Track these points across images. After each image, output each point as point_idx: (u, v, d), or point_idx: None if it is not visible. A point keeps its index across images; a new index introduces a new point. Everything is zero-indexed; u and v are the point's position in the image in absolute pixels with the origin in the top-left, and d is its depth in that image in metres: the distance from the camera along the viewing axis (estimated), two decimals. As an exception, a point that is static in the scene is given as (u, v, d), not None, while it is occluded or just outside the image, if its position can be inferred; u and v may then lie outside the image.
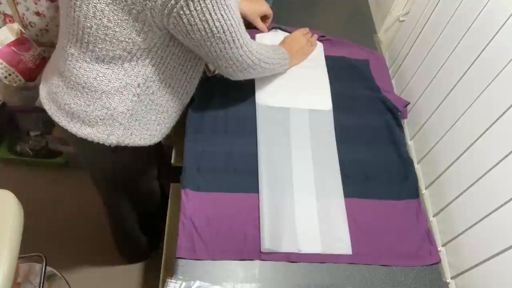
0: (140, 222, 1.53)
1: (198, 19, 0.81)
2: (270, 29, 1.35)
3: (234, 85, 1.19)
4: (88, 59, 0.91)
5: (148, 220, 1.57)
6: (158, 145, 1.14)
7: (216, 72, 1.21)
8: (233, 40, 0.89)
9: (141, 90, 0.97)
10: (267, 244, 0.94)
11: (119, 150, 1.05)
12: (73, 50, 0.92)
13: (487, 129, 0.89)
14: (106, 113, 0.98)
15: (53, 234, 1.74)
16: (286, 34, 1.34)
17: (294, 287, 0.92)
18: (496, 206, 0.84)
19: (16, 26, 1.79)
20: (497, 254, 0.83)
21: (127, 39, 0.86)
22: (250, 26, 1.33)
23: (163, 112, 1.05)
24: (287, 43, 1.25)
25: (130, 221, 1.50)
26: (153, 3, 0.79)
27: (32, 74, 1.77)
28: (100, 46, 0.88)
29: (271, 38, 1.32)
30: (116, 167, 1.18)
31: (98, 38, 0.86)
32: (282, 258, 0.94)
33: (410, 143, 1.24)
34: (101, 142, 1.01)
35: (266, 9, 1.30)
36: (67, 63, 0.95)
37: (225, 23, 0.84)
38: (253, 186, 1.03)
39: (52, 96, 1.02)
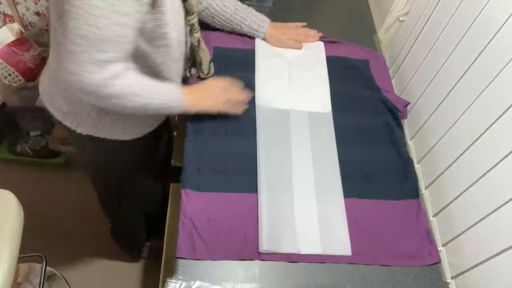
0: (135, 221, 1.52)
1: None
2: None
3: (234, 85, 1.19)
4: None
5: (147, 220, 1.57)
6: (154, 144, 1.12)
7: (211, 74, 1.18)
8: (69, 51, 0.76)
9: None
10: (265, 246, 0.94)
11: (96, 140, 1.04)
12: (55, 23, 0.88)
13: (487, 129, 0.89)
14: (76, 101, 0.97)
15: (53, 234, 1.74)
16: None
17: (294, 287, 0.92)
18: (496, 206, 0.84)
19: (16, 26, 1.80)
20: (497, 254, 0.83)
21: None
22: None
23: (132, 114, 1.01)
24: (199, 91, 1.04)
25: (123, 219, 1.49)
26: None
27: (32, 74, 1.77)
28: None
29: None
30: (98, 158, 1.17)
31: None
32: (282, 258, 0.94)
33: (410, 143, 1.24)
34: (72, 129, 1.01)
35: (291, 36, 1.28)
36: (51, 39, 0.94)
37: (94, 22, 0.72)
38: (253, 186, 1.03)
39: (43, 75, 1.03)
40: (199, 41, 1.02)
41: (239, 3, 1.20)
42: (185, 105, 0.98)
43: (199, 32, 1.00)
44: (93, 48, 0.75)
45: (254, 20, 1.22)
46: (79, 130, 1.01)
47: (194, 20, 0.94)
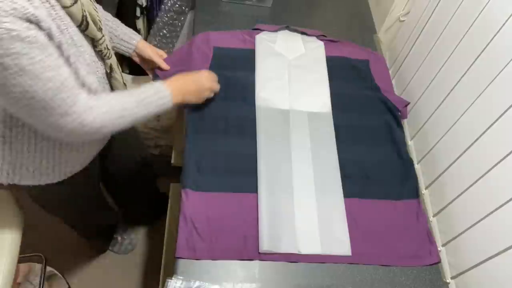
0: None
1: None
2: (278, 29, 1.35)
3: (234, 86, 1.19)
4: None
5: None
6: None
7: None
8: (48, 108, 0.77)
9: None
10: (265, 246, 0.94)
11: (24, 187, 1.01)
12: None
13: (487, 129, 0.89)
14: None
15: (53, 234, 1.74)
16: (295, 34, 1.34)
17: (294, 287, 0.92)
18: (496, 206, 0.84)
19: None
20: (497, 254, 0.83)
21: None
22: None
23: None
24: (183, 78, 1.06)
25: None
26: None
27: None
28: None
29: (280, 38, 1.32)
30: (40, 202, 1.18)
31: None
32: (282, 258, 0.95)
33: (410, 143, 1.24)
34: None
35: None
36: None
37: (29, 89, 0.73)
38: (253, 186, 1.03)
39: None
40: (111, 68, 0.97)
41: (110, 14, 1.12)
42: (173, 101, 0.99)
43: (112, 59, 0.97)
44: (62, 93, 0.77)
45: (125, 31, 1.14)
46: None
47: (102, 46, 0.90)
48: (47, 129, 0.83)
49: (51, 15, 0.74)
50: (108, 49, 0.93)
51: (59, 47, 0.77)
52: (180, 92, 1.01)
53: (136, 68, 1.26)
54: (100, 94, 0.89)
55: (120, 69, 1.04)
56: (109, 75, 0.98)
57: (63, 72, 0.77)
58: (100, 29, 0.89)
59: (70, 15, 0.79)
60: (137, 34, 1.17)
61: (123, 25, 1.14)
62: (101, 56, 0.93)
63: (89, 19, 0.84)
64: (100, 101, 0.86)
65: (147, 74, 1.26)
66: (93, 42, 0.89)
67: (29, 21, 0.69)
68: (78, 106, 0.81)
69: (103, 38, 0.90)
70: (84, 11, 0.82)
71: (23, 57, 0.69)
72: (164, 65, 1.21)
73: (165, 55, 1.23)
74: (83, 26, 0.83)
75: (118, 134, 1.20)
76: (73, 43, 0.81)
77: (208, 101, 1.15)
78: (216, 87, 1.12)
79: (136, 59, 1.20)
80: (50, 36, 0.73)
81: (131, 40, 1.15)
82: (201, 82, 1.08)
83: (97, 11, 0.89)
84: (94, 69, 0.91)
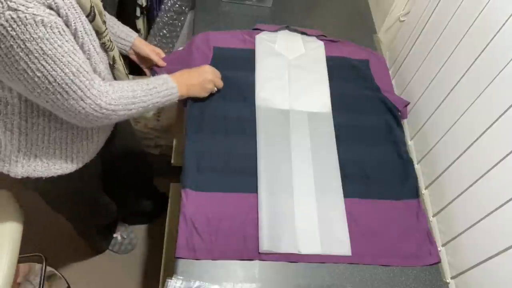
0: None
1: (14, 63, 0.73)
2: (278, 29, 1.35)
3: (234, 86, 1.19)
4: None
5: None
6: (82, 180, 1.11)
7: None
8: (67, 92, 0.81)
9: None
10: (265, 246, 0.94)
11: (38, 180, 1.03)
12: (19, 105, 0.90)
13: (487, 129, 0.89)
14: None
15: (53, 234, 1.74)
16: (295, 34, 1.35)
17: (294, 287, 0.92)
18: (496, 206, 0.84)
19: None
20: (497, 254, 0.83)
21: None
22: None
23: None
24: (187, 72, 1.10)
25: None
26: None
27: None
28: None
29: (280, 38, 1.32)
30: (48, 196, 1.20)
31: None
32: (282, 258, 0.95)
33: (410, 143, 1.24)
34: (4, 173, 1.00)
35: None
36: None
37: (50, 73, 0.76)
38: (253, 186, 1.03)
39: None
40: (114, 60, 1.00)
41: (106, 13, 1.11)
42: (178, 93, 1.04)
43: (114, 51, 0.99)
44: (80, 77, 0.81)
45: (122, 29, 1.15)
46: (12, 174, 0.99)
47: (105, 39, 0.93)
48: (63, 113, 0.86)
49: (65, 4, 0.77)
50: (110, 41, 0.96)
51: (74, 34, 0.80)
52: (184, 84, 1.06)
53: (136, 68, 1.27)
54: (112, 82, 0.92)
55: (122, 61, 1.06)
56: (112, 67, 1.01)
57: (80, 57, 0.81)
58: (104, 22, 0.92)
59: (80, 5, 0.82)
60: (133, 31, 1.18)
61: (119, 23, 1.15)
62: (104, 48, 0.95)
63: (96, 10, 0.87)
64: (113, 86, 0.90)
65: (145, 74, 1.27)
66: (97, 35, 0.91)
67: (50, 7, 0.73)
68: (94, 91, 0.85)
69: (106, 31, 0.93)
70: (92, 1, 0.85)
71: (46, 42, 0.73)
72: (161, 62, 1.21)
73: (162, 54, 1.24)
74: (90, 16, 0.86)
75: (117, 127, 1.21)
76: (85, 32, 0.84)
77: (208, 101, 1.16)
78: (219, 82, 1.16)
79: (133, 57, 1.21)
80: (67, 23, 0.77)
81: (128, 37, 1.16)
82: (203, 75, 1.12)
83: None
84: (100, 59, 0.93)
